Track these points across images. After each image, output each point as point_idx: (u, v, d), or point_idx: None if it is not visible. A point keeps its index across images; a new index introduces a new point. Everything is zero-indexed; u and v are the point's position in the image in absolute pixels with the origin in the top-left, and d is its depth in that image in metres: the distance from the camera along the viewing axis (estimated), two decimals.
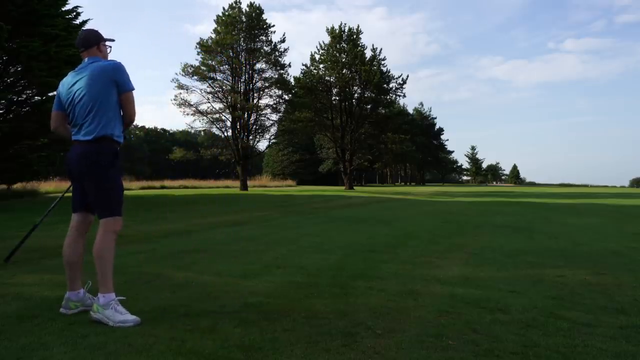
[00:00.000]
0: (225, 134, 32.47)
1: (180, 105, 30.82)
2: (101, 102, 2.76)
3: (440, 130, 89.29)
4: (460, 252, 5.42)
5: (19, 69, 14.42)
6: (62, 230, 7.51)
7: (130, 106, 2.85)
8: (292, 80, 35.08)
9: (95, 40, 2.94)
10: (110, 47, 3.06)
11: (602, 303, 3.20)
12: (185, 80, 40.99)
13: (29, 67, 13.25)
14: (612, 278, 4.04)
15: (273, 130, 34.77)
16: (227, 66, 31.57)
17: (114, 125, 2.80)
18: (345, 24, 38.91)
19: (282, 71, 32.71)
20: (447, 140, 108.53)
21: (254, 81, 32.49)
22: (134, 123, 3.16)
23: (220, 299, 3.19)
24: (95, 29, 3.05)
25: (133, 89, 2.85)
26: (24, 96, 15.62)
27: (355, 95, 39.59)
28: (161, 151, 79.32)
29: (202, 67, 30.80)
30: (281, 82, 32.38)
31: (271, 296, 3.27)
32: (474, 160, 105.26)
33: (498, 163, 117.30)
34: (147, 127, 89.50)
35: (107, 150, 2.78)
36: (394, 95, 41.20)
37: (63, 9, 15.71)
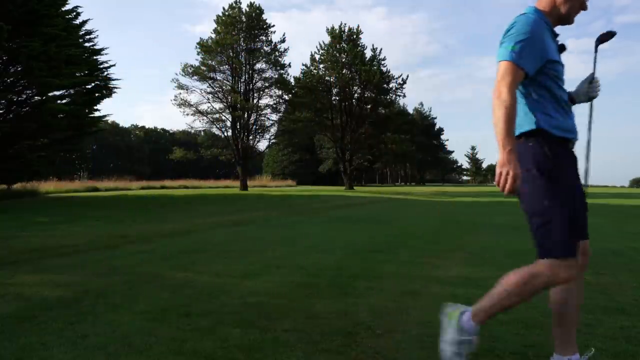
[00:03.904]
0: (225, 134, 32.53)
1: (180, 105, 30.88)
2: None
3: (440, 130, 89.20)
4: (460, 252, 5.42)
5: (19, 69, 14.44)
6: (63, 230, 7.54)
7: (497, 79, 1.85)
8: (292, 80, 35.11)
9: None
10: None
11: (602, 303, 3.20)
12: (185, 80, 40.65)
13: (29, 67, 13.28)
14: (612, 278, 4.04)
15: (273, 130, 34.92)
16: (227, 66, 31.56)
17: (528, 112, 1.90)
18: (345, 24, 38.82)
19: (282, 71, 32.76)
20: (447, 140, 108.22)
21: (254, 81, 32.50)
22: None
23: (220, 299, 3.19)
24: None
25: (503, 59, 1.87)
26: (24, 96, 15.64)
27: (355, 95, 39.53)
28: (161, 151, 79.34)
29: (202, 67, 30.80)
30: (281, 82, 32.40)
31: (271, 296, 3.27)
32: (474, 160, 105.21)
33: None
34: (147, 127, 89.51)
35: (524, 153, 1.88)
36: (394, 95, 41.17)
37: (63, 9, 15.74)
